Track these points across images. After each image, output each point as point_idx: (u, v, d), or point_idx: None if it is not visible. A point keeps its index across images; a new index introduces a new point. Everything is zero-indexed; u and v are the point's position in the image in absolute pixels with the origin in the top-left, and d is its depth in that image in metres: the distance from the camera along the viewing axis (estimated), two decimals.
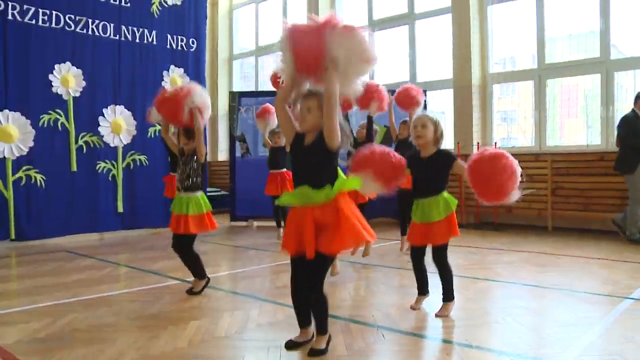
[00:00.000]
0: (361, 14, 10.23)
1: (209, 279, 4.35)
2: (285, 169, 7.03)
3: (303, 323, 2.96)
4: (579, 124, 8.75)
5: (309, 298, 2.86)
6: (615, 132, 6.85)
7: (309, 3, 10.58)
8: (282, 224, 7.08)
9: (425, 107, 7.35)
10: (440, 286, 3.61)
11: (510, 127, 9.50)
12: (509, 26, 8.95)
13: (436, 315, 3.51)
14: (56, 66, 7.31)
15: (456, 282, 3.72)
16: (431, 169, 3.51)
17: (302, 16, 2.94)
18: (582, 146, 7.91)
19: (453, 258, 3.73)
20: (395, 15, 9.79)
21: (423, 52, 9.62)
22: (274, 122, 6.95)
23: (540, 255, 5.80)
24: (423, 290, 3.72)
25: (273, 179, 7.03)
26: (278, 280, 4.79)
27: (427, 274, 3.71)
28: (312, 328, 2.96)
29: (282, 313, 3.65)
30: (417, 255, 3.67)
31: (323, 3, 10.40)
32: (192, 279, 4.33)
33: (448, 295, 3.57)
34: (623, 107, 7.57)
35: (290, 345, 2.93)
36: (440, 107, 9.55)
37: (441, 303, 3.58)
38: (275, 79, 4.89)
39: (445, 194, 3.51)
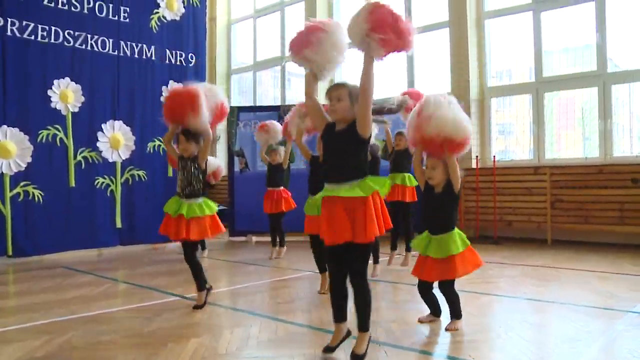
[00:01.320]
0: None
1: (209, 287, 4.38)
2: (282, 187, 6.99)
3: (338, 317, 3.00)
4: (576, 137, 8.78)
5: (346, 290, 2.94)
6: (613, 145, 6.86)
7: (307, 19, 10.63)
8: (278, 242, 7.03)
9: None
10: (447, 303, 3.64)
11: (508, 140, 9.52)
12: (506, 40, 9.01)
13: (446, 329, 3.51)
14: (55, 81, 7.32)
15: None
16: (440, 200, 3.54)
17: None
18: (581, 159, 7.92)
19: None
20: None
21: (421, 66, 9.66)
22: (274, 139, 6.89)
23: (541, 269, 5.78)
24: (436, 313, 3.73)
25: (269, 196, 6.97)
26: (278, 296, 4.76)
27: (437, 298, 3.71)
28: (346, 325, 3.02)
29: (282, 330, 3.62)
30: (424, 289, 3.67)
31: (320, 18, 10.46)
32: (193, 294, 4.31)
33: (457, 314, 3.59)
34: (620, 119, 7.60)
35: (328, 351, 2.98)
36: None
37: (448, 319, 3.60)
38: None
39: (457, 230, 3.54)
